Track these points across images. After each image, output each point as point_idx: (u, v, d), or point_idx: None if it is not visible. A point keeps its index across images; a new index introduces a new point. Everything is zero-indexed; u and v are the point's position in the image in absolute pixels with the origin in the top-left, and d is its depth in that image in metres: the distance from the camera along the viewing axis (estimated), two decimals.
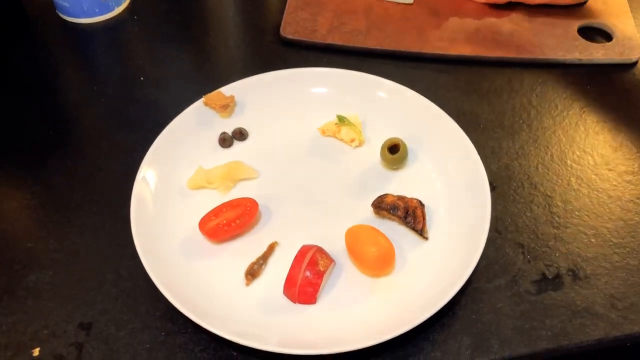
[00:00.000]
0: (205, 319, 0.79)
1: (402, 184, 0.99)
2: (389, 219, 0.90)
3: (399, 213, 0.92)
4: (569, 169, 1.03)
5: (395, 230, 0.89)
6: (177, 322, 0.84)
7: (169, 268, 0.86)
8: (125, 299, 0.83)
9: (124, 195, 0.93)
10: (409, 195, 0.95)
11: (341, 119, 0.98)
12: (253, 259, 0.86)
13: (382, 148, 0.94)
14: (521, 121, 1.10)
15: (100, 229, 0.95)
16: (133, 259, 0.86)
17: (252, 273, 0.88)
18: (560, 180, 1.01)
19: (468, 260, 0.85)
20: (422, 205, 0.93)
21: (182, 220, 0.94)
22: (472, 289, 0.87)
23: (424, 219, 0.91)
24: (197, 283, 0.86)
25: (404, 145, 0.98)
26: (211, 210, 0.88)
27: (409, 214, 0.91)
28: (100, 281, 0.85)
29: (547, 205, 0.98)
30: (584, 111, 1.12)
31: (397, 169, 0.96)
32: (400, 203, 0.92)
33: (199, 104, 1.01)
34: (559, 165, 1.03)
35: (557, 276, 0.89)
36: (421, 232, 0.91)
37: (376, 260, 0.85)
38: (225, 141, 1.04)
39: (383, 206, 0.92)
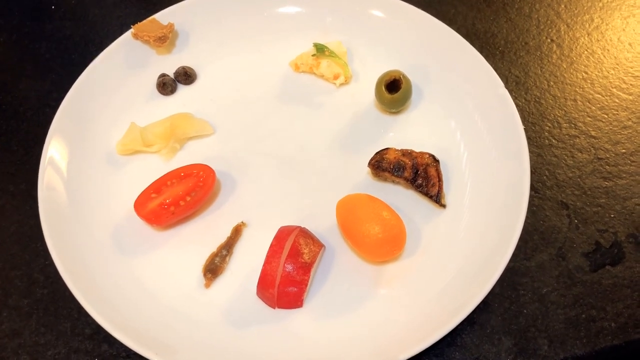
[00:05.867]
0: (149, 345, 0.58)
1: (406, 133, 0.77)
2: (393, 182, 0.73)
3: (406, 174, 0.70)
4: (616, 99, 0.80)
5: (401, 198, 0.72)
6: (115, 342, 0.65)
7: (95, 270, 0.66)
8: (41, 315, 0.67)
9: (34, 168, 0.72)
10: (417, 149, 0.72)
11: (320, 49, 0.79)
12: (213, 248, 0.69)
13: (378, 85, 0.74)
14: (549, 40, 0.87)
15: (3, 215, 0.74)
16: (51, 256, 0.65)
17: (213, 269, 0.66)
18: (606, 116, 0.79)
19: (505, 232, 0.65)
20: (435, 161, 0.70)
21: (112, 201, 0.72)
22: (507, 270, 0.67)
23: (439, 180, 0.70)
24: (134, 288, 0.66)
25: (407, 80, 0.74)
26: (151, 185, 0.71)
27: (419, 174, 0.69)
28: (5, 290, 0.69)
29: (592, 150, 0.76)
30: (627, 23, 0.88)
31: (398, 112, 0.78)
32: (406, 160, 0.70)
33: (126, 38, 0.82)
34: (602, 95, 0.81)
35: (615, 244, 0.71)
36: (437, 199, 0.68)
37: (381, 244, 0.64)
38: (166, 86, 0.81)
39: (384, 165, 0.70)
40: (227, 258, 0.67)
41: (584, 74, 0.84)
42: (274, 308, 0.64)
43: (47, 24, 0.93)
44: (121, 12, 0.93)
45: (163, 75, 0.80)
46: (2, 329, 0.66)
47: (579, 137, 0.78)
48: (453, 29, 0.79)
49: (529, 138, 0.77)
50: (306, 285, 0.63)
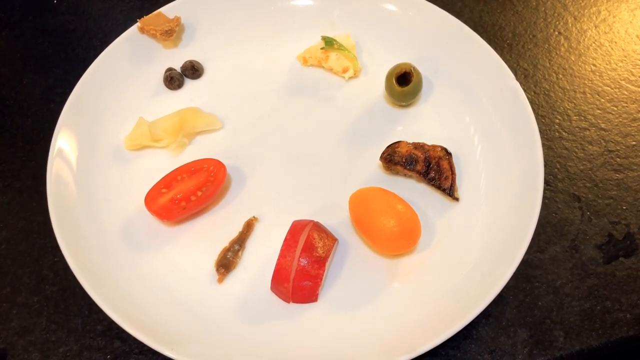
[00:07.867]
0: (164, 340, 0.57)
1: (416, 127, 0.76)
2: (405, 175, 0.72)
3: (418, 167, 0.69)
4: (625, 92, 0.80)
5: (414, 192, 0.71)
6: (127, 338, 0.64)
7: (106, 266, 0.65)
8: (52, 312, 0.66)
9: (40, 164, 0.71)
10: (429, 142, 0.71)
11: (328, 42, 0.79)
12: (225, 243, 0.68)
13: (388, 78, 0.72)
14: (557, 33, 0.86)
15: (10, 212, 0.73)
16: (60, 251, 0.64)
17: (226, 264, 0.65)
18: (615, 108, 0.79)
19: (520, 224, 0.64)
20: (448, 154, 0.69)
21: (121, 197, 0.71)
22: (520, 263, 0.66)
23: (452, 173, 0.69)
24: (147, 285, 0.65)
25: (417, 72, 0.73)
26: (161, 180, 0.70)
27: (432, 167, 0.69)
28: (14, 288, 0.67)
29: (602, 142, 0.76)
30: (634, 15, 0.88)
31: (408, 105, 0.76)
32: (418, 153, 0.69)
33: (133, 32, 0.81)
34: (611, 88, 0.80)
35: (628, 236, 0.71)
36: (450, 192, 0.68)
37: (396, 237, 0.63)
38: (173, 80, 0.79)
39: (396, 159, 0.69)
40: (240, 253, 0.66)
41: (592, 66, 0.84)
42: (289, 302, 0.63)
43: (50, 19, 0.91)
44: (125, 6, 0.91)
45: (170, 70, 0.79)
46: (12, 327, 0.65)
47: (589, 129, 0.78)
48: (460, 21, 0.79)
49: (539, 131, 0.77)
50: (321, 279, 0.62)
